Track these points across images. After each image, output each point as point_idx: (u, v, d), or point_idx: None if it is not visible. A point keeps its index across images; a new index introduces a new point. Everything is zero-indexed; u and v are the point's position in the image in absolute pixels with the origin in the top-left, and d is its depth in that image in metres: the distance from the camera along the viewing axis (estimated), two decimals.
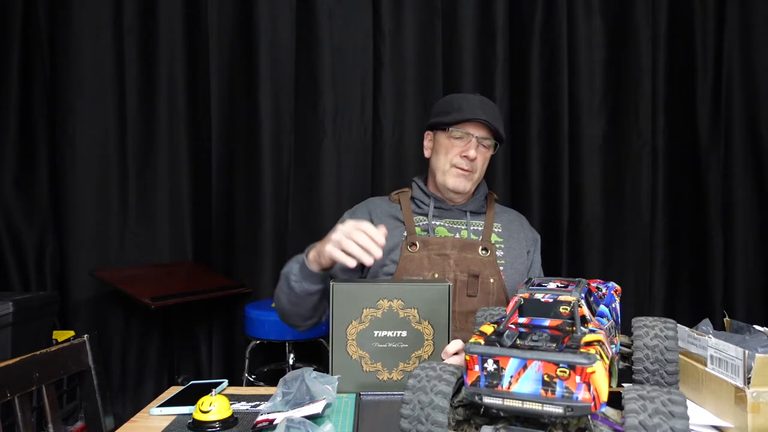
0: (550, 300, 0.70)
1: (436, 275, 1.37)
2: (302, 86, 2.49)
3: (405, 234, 1.43)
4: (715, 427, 0.90)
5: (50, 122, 2.49)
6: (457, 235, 1.44)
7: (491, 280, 1.39)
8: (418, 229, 1.45)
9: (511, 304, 0.72)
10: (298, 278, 1.28)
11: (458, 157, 1.41)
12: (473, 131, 1.41)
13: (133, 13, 2.50)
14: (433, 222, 1.45)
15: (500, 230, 1.48)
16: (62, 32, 2.45)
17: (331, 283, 1.09)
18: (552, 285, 0.76)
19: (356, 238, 1.13)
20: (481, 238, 1.44)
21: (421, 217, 1.47)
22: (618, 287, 0.92)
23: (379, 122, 2.48)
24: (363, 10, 2.47)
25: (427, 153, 1.52)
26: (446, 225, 1.46)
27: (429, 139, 1.52)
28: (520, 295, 0.72)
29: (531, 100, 2.47)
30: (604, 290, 0.89)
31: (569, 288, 0.74)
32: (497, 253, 1.42)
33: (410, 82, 2.47)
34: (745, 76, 2.42)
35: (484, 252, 1.40)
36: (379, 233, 1.15)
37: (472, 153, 1.40)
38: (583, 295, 0.73)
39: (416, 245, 1.40)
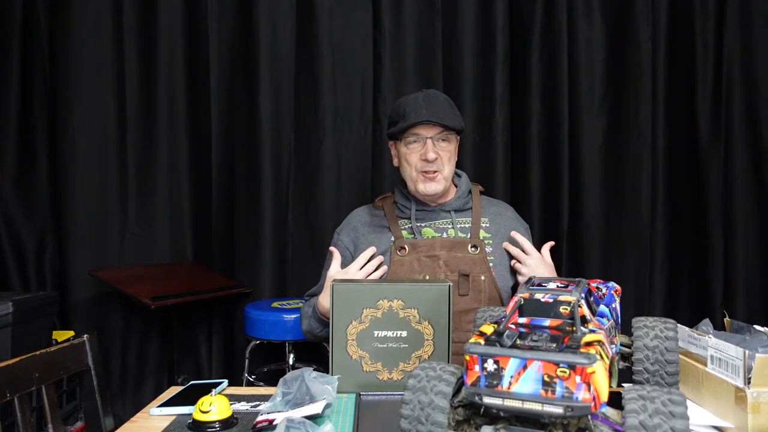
0: (550, 300, 0.70)
1: (427, 277, 1.37)
2: (302, 86, 2.49)
3: (392, 239, 1.44)
4: (716, 427, 0.90)
5: (50, 122, 2.48)
6: (445, 235, 1.44)
7: (482, 278, 1.39)
8: (404, 233, 1.45)
9: (511, 304, 0.72)
10: (321, 328, 1.42)
11: (420, 162, 1.41)
12: (424, 132, 1.41)
13: (133, 13, 2.50)
14: (418, 224, 1.45)
15: (488, 225, 1.47)
16: (62, 32, 2.45)
17: (331, 283, 1.09)
18: (552, 285, 0.76)
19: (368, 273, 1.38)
20: (469, 235, 1.44)
21: (405, 221, 1.47)
22: (618, 287, 0.92)
23: (379, 122, 2.48)
24: (363, 10, 2.47)
25: (395, 162, 1.53)
26: (432, 226, 1.46)
27: (393, 149, 1.53)
28: (521, 295, 0.72)
29: (531, 100, 2.47)
30: (604, 290, 0.89)
31: (569, 288, 0.74)
32: (486, 249, 1.43)
33: (410, 82, 2.47)
34: (745, 76, 2.42)
35: (473, 249, 1.41)
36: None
37: (430, 155, 1.40)
38: (583, 295, 0.73)
39: (405, 249, 1.40)
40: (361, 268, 1.37)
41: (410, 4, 2.46)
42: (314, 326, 1.43)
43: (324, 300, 1.35)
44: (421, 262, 1.39)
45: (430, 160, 1.40)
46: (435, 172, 1.41)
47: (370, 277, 1.37)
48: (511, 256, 1.47)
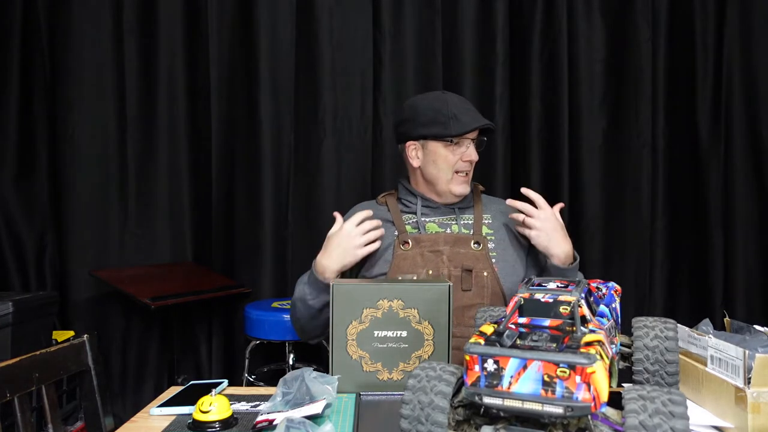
0: (550, 300, 0.70)
1: (430, 272, 1.38)
2: (302, 86, 2.49)
3: (396, 233, 1.44)
4: (715, 427, 0.90)
5: (50, 122, 2.49)
6: (449, 230, 1.45)
7: (485, 274, 1.39)
8: (408, 227, 1.46)
9: (511, 304, 0.72)
10: (314, 295, 1.36)
11: (461, 163, 1.43)
12: (470, 135, 1.44)
13: (133, 13, 2.50)
14: (422, 219, 1.47)
15: (490, 222, 1.48)
16: (62, 32, 2.45)
17: (331, 283, 1.09)
18: (552, 285, 0.76)
19: (365, 231, 1.36)
20: (472, 231, 1.45)
21: (409, 216, 1.48)
22: (618, 287, 0.92)
23: (379, 122, 2.48)
24: (363, 10, 2.48)
25: (415, 163, 1.48)
26: (437, 221, 1.47)
27: (414, 149, 1.48)
28: (520, 295, 0.72)
29: (531, 100, 2.47)
30: (604, 290, 0.88)
31: (569, 288, 0.74)
32: (489, 245, 1.43)
33: (410, 81, 2.48)
34: (745, 76, 2.42)
35: (476, 246, 1.41)
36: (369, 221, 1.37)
37: (475, 156, 1.44)
38: (583, 295, 0.73)
39: (408, 243, 1.41)
40: (358, 225, 1.36)
41: (410, 4, 2.47)
42: (306, 292, 1.38)
43: (323, 258, 1.35)
44: (425, 257, 1.39)
45: (474, 161, 1.44)
46: (468, 172, 1.46)
47: (366, 237, 1.36)
48: (513, 232, 1.47)
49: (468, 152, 1.43)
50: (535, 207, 1.39)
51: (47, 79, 2.48)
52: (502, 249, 1.44)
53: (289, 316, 2.14)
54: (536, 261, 1.48)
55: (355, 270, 1.45)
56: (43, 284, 2.49)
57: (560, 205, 1.44)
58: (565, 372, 0.58)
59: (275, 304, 2.28)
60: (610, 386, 0.63)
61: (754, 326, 1.09)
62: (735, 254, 2.41)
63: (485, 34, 2.46)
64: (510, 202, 1.42)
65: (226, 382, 1.09)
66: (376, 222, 1.39)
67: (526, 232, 1.38)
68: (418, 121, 1.45)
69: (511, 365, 0.61)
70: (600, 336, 0.64)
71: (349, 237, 1.35)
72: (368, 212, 1.39)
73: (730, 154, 2.43)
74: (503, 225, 1.49)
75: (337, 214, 1.43)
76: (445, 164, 1.43)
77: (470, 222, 1.47)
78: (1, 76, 2.43)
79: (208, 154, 2.52)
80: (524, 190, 1.43)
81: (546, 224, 1.36)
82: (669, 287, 2.51)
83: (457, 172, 1.44)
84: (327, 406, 0.90)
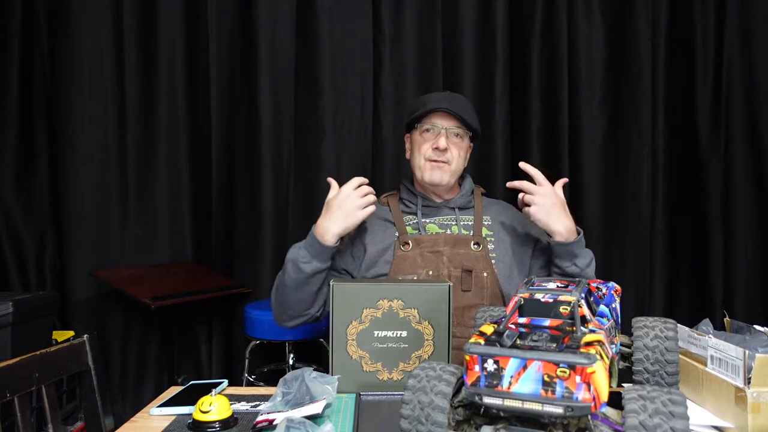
0: (550, 300, 0.70)
1: (430, 272, 1.38)
2: (302, 86, 2.48)
3: (397, 234, 1.45)
4: (716, 427, 0.90)
5: (50, 122, 2.49)
6: (449, 231, 1.46)
7: (484, 274, 1.40)
8: (409, 228, 1.47)
9: (511, 304, 0.72)
10: (308, 259, 1.35)
11: (430, 150, 1.44)
12: (440, 122, 1.44)
13: (133, 13, 2.50)
14: (423, 220, 1.47)
15: (490, 223, 1.49)
16: (62, 32, 2.45)
17: (331, 283, 1.09)
18: (552, 285, 0.76)
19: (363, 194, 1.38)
20: (472, 232, 1.45)
21: (410, 216, 1.49)
22: (618, 287, 0.92)
23: (379, 122, 2.48)
24: (363, 10, 2.47)
25: (407, 155, 1.56)
26: (437, 222, 1.47)
27: (408, 141, 1.57)
28: (520, 295, 0.72)
29: (531, 100, 2.47)
30: (604, 290, 0.88)
31: (569, 288, 0.74)
32: (488, 246, 1.44)
33: (410, 82, 2.47)
34: (745, 76, 2.42)
35: (476, 246, 1.42)
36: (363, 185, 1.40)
37: (441, 142, 1.42)
38: (583, 295, 0.73)
39: (409, 244, 1.42)
40: (356, 188, 1.39)
41: (410, 5, 2.46)
42: (300, 255, 1.36)
43: (324, 221, 1.36)
44: (425, 258, 1.40)
45: (441, 148, 1.42)
46: (444, 162, 1.44)
47: (366, 199, 1.38)
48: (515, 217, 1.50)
49: (436, 138, 1.43)
50: (534, 183, 1.40)
51: (47, 79, 2.48)
52: (502, 250, 1.45)
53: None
54: (544, 251, 1.49)
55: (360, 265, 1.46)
56: (43, 284, 2.49)
57: (563, 180, 1.47)
58: (565, 372, 0.58)
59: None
60: (610, 386, 0.63)
61: (754, 326, 1.09)
62: (735, 254, 2.41)
63: (485, 34, 2.46)
64: (510, 183, 1.44)
65: (226, 382, 1.09)
66: (370, 188, 1.42)
67: (525, 209, 1.39)
68: (409, 113, 1.53)
69: (511, 365, 0.61)
70: (600, 336, 0.64)
71: (349, 199, 1.37)
72: (363, 179, 1.42)
73: (730, 154, 2.43)
74: (503, 227, 1.49)
75: (331, 180, 1.46)
76: (418, 151, 1.47)
77: (470, 223, 1.48)
78: (1, 76, 2.43)
79: (208, 154, 2.52)
80: (522, 165, 1.44)
81: (544, 200, 1.37)
82: (669, 287, 2.51)
83: (428, 159, 1.45)
84: (327, 406, 0.90)
